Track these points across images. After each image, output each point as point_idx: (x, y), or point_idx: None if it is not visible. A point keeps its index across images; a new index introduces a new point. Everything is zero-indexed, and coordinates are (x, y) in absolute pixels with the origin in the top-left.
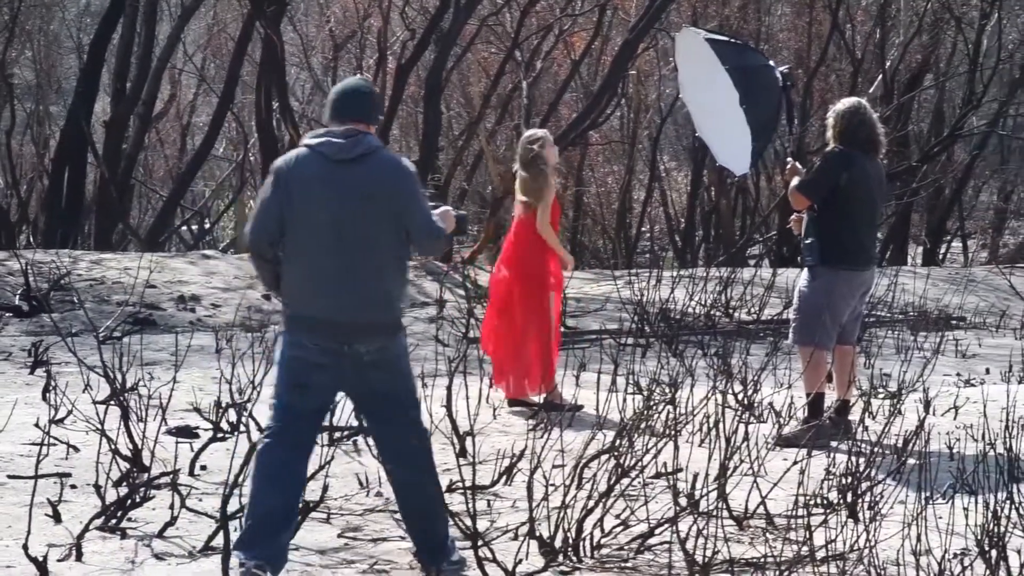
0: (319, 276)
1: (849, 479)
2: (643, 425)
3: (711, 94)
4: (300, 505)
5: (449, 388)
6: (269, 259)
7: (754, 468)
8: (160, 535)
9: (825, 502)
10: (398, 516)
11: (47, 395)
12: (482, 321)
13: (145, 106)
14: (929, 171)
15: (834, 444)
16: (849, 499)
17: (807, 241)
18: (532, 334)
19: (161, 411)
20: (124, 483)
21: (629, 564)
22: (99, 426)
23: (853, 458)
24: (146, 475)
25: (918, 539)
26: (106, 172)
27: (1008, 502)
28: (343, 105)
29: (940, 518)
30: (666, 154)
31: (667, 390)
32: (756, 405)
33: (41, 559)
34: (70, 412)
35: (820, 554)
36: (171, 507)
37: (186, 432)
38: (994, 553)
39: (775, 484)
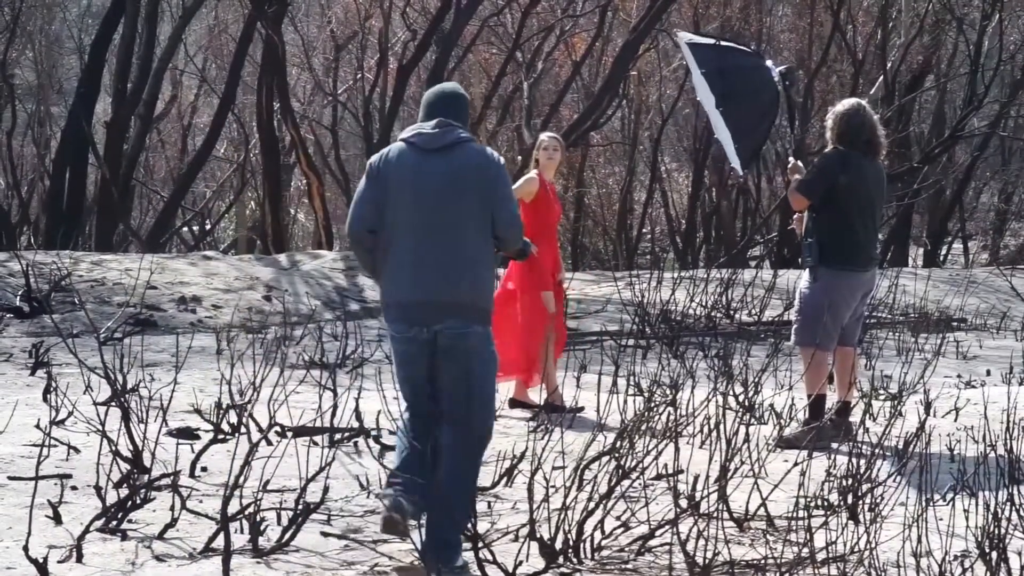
0: (414, 261)
1: (850, 481)
2: (644, 427)
3: (703, 97)
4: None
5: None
6: (368, 247)
7: (755, 470)
8: (160, 537)
9: (826, 504)
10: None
11: (48, 396)
12: None
13: (146, 107)
14: (930, 172)
15: (835, 446)
16: (850, 501)
17: (807, 242)
18: (530, 331)
19: (162, 412)
20: (125, 484)
21: (630, 566)
22: (100, 427)
23: (854, 460)
24: (147, 476)
25: (919, 541)
26: (107, 173)
27: (1009, 504)
28: (435, 106)
29: (941, 520)
30: (667, 155)
31: (668, 392)
32: (757, 407)
33: (41, 560)
34: (71, 413)
35: (821, 556)
36: (172, 508)
37: (187, 433)
38: (995, 555)
39: (776, 486)
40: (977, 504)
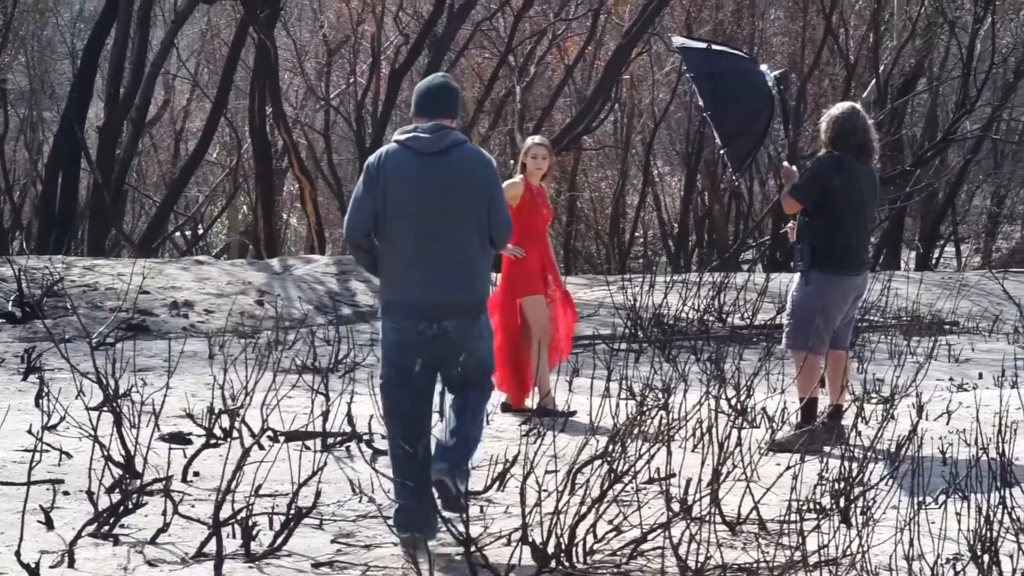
0: (412, 262)
1: (842, 484)
2: (636, 430)
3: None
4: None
5: (442, 394)
6: (366, 248)
7: (747, 473)
8: (153, 542)
9: (818, 507)
10: (391, 522)
11: (40, 401)
12: None
13: (139, 111)
14: (922, 175)
15: (827, 449)
16: (842, 504)
17: (799, 246)
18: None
19: (154, 417)
20: (117, 489)
21: (622, 570)
22: (92, 432)
23: (846, 463)
24: (139, 481)
25: (911, 544)
26: (99, 178)
27: (1001, 507)
28: (427, 101)
29: (933, 523)
30: (660, 159)
31: (660, 395)
32: (749, 410)
33: (34, 565)
34: (63, 418)
35: (813, 559)
36: (164, 513)
37: (179, 438)
38: (986, 558)
39: (768, 489)
40: (969, 507)
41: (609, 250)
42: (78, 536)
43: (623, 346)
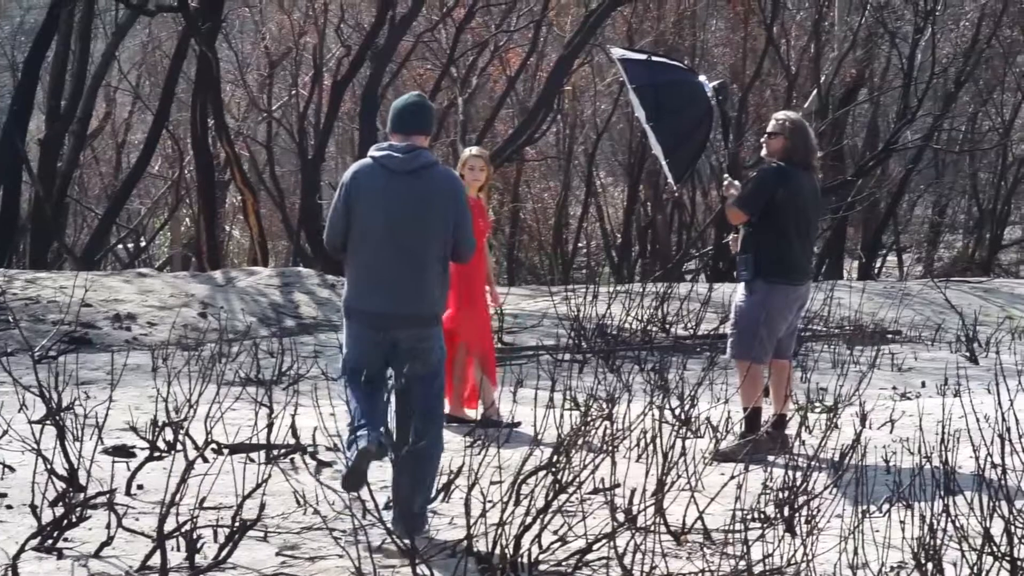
0: (373, 273)
1: (786, 493)
2: (580, 441)
3: (638, 112)
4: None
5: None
6: (344, 257)
7: (691, 483)
8: (97, 555)
9: (762, 516)
10: (336, 534)
11: None
12: None
13: (80, 124)
14: (864, 185)
15: (771, 458)
16: (786, 513)
17: (744, 255)
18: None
19: (97, 430)
20: (60, 503)
21: None
22: (35, 446)
23: (790, 472)
24: (82, 495)
25: (855, 553)
26: (41, 190)
27: (944, 515)
28: (404, 118)
29: (877, 531)
30: (602, 170)
31: (604, 406)
32: (693, 420)
33: None
34: (5, 432)
35: (757, 568)
36: (108, 527)
37: (122, 451)
38: (930, 566)
39: (712, 499)
40: (913, 516)
41: (552, 261)
42: (21, 550)
43: (567, 357)
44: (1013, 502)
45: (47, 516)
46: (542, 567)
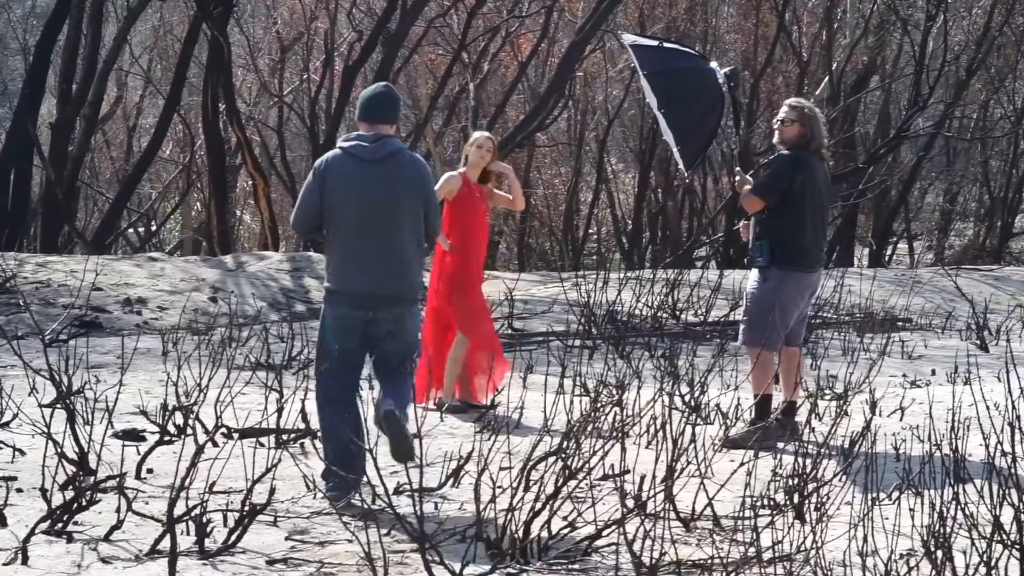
0: (352, 257)
1: (796, 480)
2: (590, 427)
3: (649, 98)
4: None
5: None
6: (315, 238)
7: (701, 470)
8: (106, 539)
9: (772, 503)
10: (346, 519)
11: None
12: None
13: (91, 108)
14: (875, 173)
15: (781, 445)
16: (796, 500)
17: (759, 242)
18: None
19: (107, 414)
20: (70, 487)
21: (576, 566)
22: (45, 429)
23: (800, 459)
24: (92, 478)
25: (864, 540)
26: (52, 174)
27: (954, 503)
28: (370, 108)
29: (886, 519)
30: (613, 156)
31: (614, 392)
32: (703, 407)
33: None
34: (16, 415)
35: (767, 555)
36: (117, 511)
37: (132, 435)
38: (940, 554)
39: (722, 486)
40: (923, 503)
41: (563, 247)
42: (31, 533)
43: (577, 343)
44: (1023, 490)
45: (57, 499)
46: (551, 553)
